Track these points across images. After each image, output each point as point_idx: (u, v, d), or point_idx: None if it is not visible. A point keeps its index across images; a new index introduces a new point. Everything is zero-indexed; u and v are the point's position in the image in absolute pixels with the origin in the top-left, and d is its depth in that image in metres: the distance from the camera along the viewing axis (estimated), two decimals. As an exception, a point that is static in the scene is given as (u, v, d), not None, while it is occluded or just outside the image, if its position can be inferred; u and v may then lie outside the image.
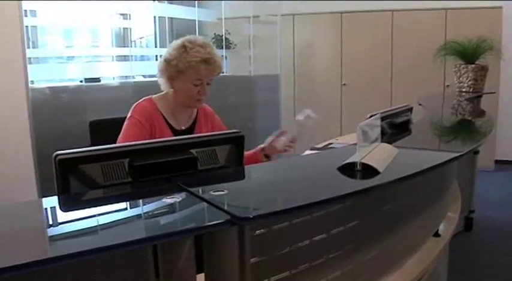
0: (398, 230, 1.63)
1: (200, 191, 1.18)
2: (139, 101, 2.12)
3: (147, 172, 1.23)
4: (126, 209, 1.15)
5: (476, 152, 3.81)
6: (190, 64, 2.01)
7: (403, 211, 1.65)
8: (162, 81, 2.14)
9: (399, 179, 1.28)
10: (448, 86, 5.64)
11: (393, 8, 6.19)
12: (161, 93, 2.18)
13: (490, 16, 5.81)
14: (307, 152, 2.72)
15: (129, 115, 2.06)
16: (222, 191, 1.17)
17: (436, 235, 2.03)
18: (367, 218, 1.43)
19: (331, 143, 3.13)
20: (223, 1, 4.92)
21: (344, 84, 6.45)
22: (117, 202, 1.19)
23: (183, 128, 2.16)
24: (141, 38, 6.02)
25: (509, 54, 5.43)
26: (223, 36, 5.19)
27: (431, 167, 1.44)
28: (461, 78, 3.94)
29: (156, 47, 5.75)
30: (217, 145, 1.39)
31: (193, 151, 1.33)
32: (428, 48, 4.46)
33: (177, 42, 2.08)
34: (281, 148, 2.12)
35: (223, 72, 3.04)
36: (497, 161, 6.19)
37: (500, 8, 5.82)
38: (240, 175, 1.48)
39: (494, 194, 5.09)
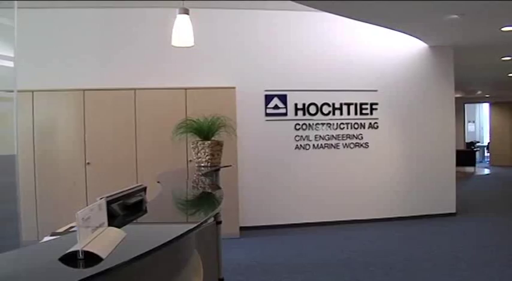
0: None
1: None
2: None
3: None
4: None
5: (219, 222, 4.01)
6: None
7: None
8: None
9: (119, 264, 1.25)
10: (191, 161, 5.93)
11: (134, 86, 6.36)
12: None
13: (225, 95, 6.44)
14: (46, 238, 2.49)
15: None
16: None
17: (178, 311, 2.02)
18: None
19: (73, 226, 2.93)
20: None
21: (88, 163, 6.21)
22: None
23: None
24: None
25: (241, 130, 6.04)
26: None
27: (157, 247, 1.43)
28: (199, 154, 4.16)
29: None
30: None
31: None
32: (171, 125, 4.59)
33: None
34: None
35: None
36: (241, 228, 6.66)
37: (234, 88, 6.48)
38: None
39: (241, 259, 5.45)
